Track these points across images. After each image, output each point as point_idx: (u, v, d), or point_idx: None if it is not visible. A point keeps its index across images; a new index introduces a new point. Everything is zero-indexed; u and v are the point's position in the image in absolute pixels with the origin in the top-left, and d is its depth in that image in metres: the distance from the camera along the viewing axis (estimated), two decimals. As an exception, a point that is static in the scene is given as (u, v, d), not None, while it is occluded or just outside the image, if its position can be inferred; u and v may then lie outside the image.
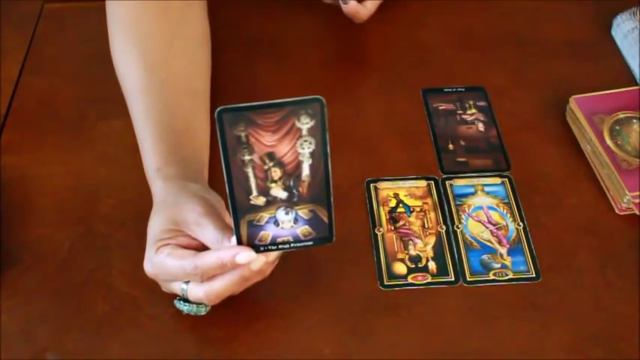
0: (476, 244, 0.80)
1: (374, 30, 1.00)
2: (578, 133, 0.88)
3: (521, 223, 0.81)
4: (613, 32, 1.00)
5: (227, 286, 0.69)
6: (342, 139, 0.88)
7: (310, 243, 0.68)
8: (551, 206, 0.83)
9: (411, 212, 0.82)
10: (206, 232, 0.68)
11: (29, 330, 0.73)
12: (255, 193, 0.64)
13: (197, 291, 0.69)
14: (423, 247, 0.79)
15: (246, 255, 0.66)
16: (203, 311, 0.72)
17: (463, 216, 0.82)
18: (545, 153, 0.88)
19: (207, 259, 0.67)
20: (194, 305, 0.71)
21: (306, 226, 0.67)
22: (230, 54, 0.97)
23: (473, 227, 0.81)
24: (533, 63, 0.97)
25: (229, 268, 0.67)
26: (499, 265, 0.78)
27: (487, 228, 0.81)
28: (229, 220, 0.67)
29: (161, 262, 0.69)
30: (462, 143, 0.88)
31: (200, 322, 0.73)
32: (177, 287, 0.71)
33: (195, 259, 0.67)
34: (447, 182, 0.85)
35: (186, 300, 0.71)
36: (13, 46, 0.98)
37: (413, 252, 0.79)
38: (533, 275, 0.77)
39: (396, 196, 0.83)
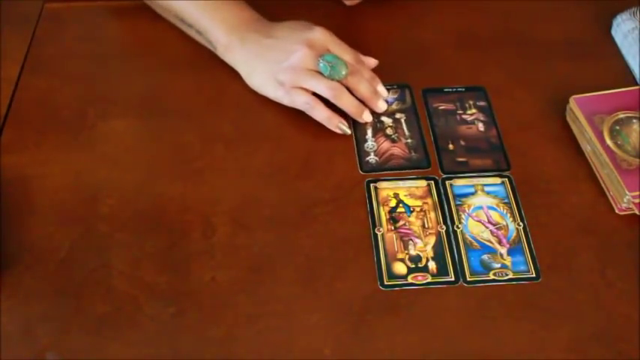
0: (476, 244, 0.80)
1: (373, 30, 1.00)
2: (578, 133, 0.88)
3: (521, 223, 0.81)
4: (613, 32, 1.00)
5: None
6: (342, 138, 0.88)
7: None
8: (551, 206, 0.83)
9: (411, 212, 0.82)
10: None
11: (29, 330, 0.73)
12: None
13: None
14: (423, 247, 0.79)
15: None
16: (344, 73, 0.86)
17: (463, 216, 0.82)
18: (545, 153, 0.88)
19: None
20: (337, 60, 0.86)
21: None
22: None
23: (473, 227, 0.81)
24: (533, 63, 0.97)
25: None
26: (499, 265, 0.78)
27: (487, 228, 0.81)
28: None
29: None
30: (462, 143, 0.88)
31: (200, 322, 0.73)
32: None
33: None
34: (446, 182, 0.85)
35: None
36: (13, 46, 0.97)
37: (413, 252, 0.79)
38: (533, 275, 0.77)
39: (396, 196, 0.83)
